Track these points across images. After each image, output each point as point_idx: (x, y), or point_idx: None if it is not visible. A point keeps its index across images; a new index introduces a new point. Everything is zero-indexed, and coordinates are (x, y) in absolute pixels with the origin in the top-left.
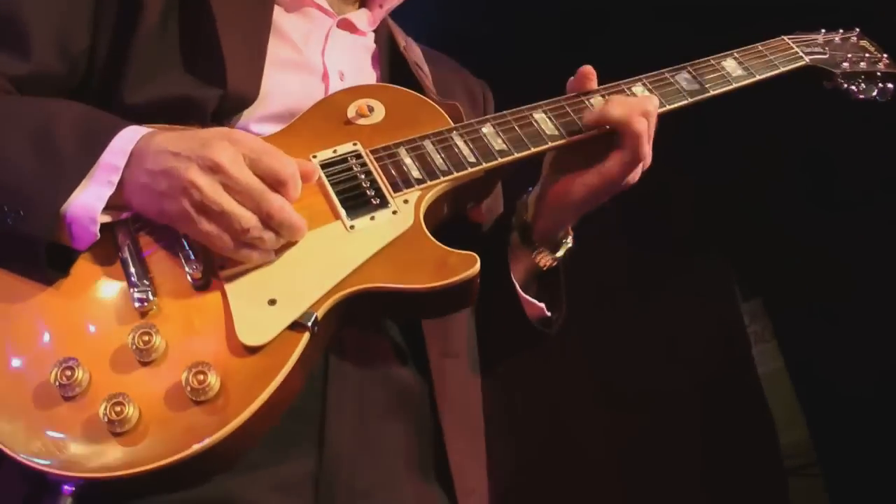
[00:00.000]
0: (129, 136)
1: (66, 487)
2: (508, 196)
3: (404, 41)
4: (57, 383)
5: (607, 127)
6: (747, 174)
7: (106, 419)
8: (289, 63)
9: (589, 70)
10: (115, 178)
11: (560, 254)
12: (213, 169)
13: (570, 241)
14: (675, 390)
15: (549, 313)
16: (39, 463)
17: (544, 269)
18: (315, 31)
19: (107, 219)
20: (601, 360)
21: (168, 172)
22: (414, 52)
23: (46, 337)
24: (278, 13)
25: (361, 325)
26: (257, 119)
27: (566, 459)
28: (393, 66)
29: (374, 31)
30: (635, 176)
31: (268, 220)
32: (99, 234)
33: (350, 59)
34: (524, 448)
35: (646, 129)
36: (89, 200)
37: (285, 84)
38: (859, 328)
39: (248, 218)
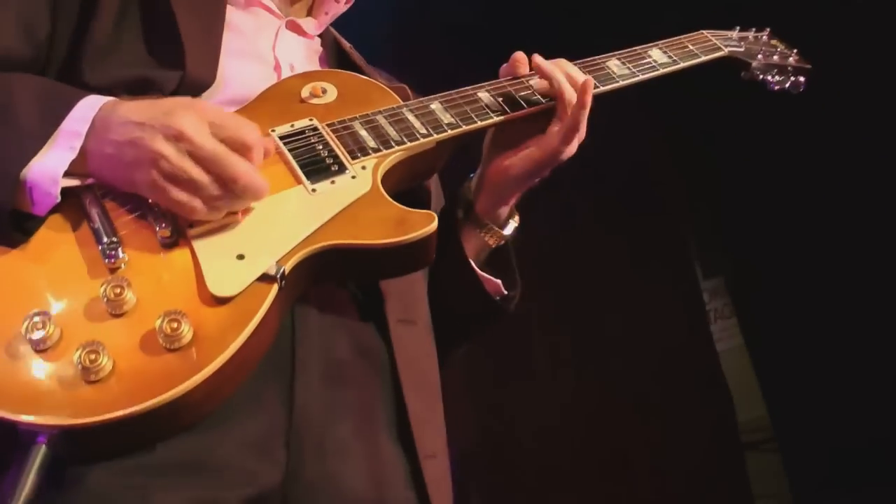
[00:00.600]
0: (90, 104)
1: (39, 438)
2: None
3: (348, 46)
4: (28, 336)
5: (545, 101)
6: (710, 153)
7: (80, 366)
8: (242, 53)
9: (521, 56)
10: (78, 144)
11: (507, 232)
12: (178, 137)
13: (516, 220)
14: (632, 365)
15: (505, 291)
16: (9, 415)
17: (493, 246)
18: (265, 29)
19: (70, 183)
20: (558, 334)
21: (134, 143)
22: (357, 56)
23: (17, 294)
24: (230, 10)
25: (326, 285)
26: (214, 103)
27: (522, 432)
28: (341, 65)
29: (320, 36)
30: (572, 149)
31: (233, 184)
32: (60, 197)
33: (299, 55)
34: (483, 418)
35: (580, 113)
36: (50, 163)
37: (240, 71)
38: (819, 305)
39: (214, 184)
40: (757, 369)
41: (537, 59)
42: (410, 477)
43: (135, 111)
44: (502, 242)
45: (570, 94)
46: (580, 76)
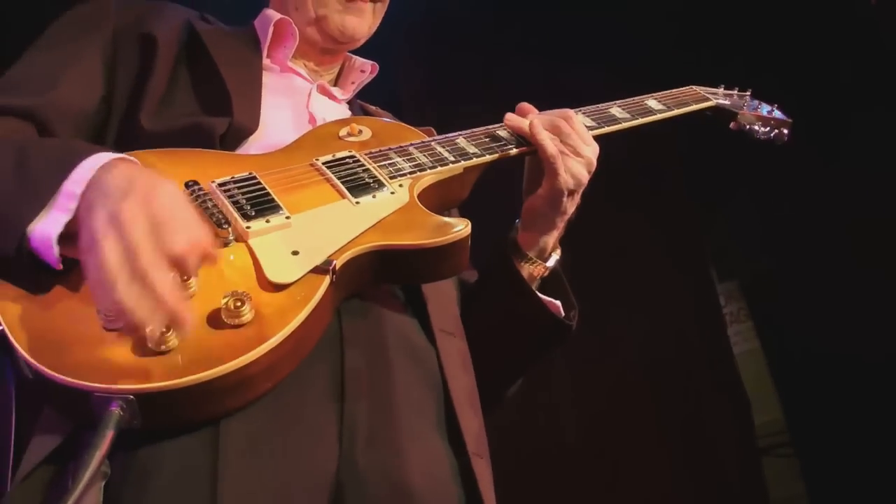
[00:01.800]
0: (91, 163)
1: (112, 405)
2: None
3: (374, 108)
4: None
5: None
6: (727, 158)
7: (151, 338)
8: (279, 107)
9: (525, 105)
10: (73, 206)
11: (550, 263)
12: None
13: (558, 253)
14: (649, 370)
15: (563, 312)
16: (85, 383)
17: (537, 277)
18: (299, 90)
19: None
20: (575, 339)
21: (108, 230)
22: (385, 114)
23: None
24: (266, 75)
25: (371, 287)
26: (258, 147)
27: (540, 440)
28: None
29: (348, 103)
30: (569, 180)
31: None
32: (60, 264)
33: (331, 112)
34: (499, 426)
35: (553, 150)
36: (47, 226)
37: (278, 121)
38: (834, 309)
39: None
40: (773, 373)
41: (508, 115)
42: (460, 473)
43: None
44: (546, 273)
45: (544, 141)
46: (558, 118)
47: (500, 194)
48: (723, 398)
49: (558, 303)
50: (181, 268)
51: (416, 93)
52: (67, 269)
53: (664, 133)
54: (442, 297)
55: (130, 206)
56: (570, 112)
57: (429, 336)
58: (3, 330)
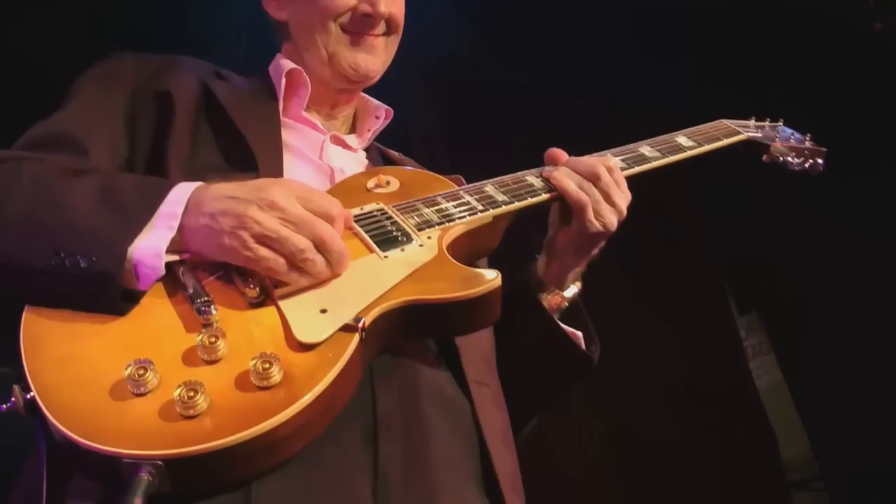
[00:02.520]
0: (183, 189)
1: (141, 471)
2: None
3: (397, 155)
4: (130, 381)
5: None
6: (744, 189)
7: (180, 402)
8: (298, 161)
9: (553, 151)
10: (175, 224)
11: (569, 294)
12: (271, 206)
13: (578, 285)
14: (673, 406)
15: (584, 345)
16: (114, 449)
17: (555, 308)
18: (311, 142)
19: (169, 257)
20: (596, 377)
21: (229, 212)
22: (409, 160)
23: (120, 346)
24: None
25: (402, 342)
26: None
27: (565, 476)
28: None
29: (366, 150)
30: (598, 224)
31: (321, 246)
32: (164, 270)
33: (347, 163)
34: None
35: (581, 197)
36: (153, 242)
37: (299, 174)
38: (857, 337)
39: (302, 240)
40: (798, 405)
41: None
42: None
43: (227, 188)
44: (564, 304)
45: (571, 190)
46: (591, 165)
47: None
48: (748, 432)
49: (580, 334)
50: (336, 225)
51: (426, 135)
52: (99, 331)
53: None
54: (476, 345)
55: (276, 190)
56: (614, 162)
57: (463, 387)
58: (33, 396)
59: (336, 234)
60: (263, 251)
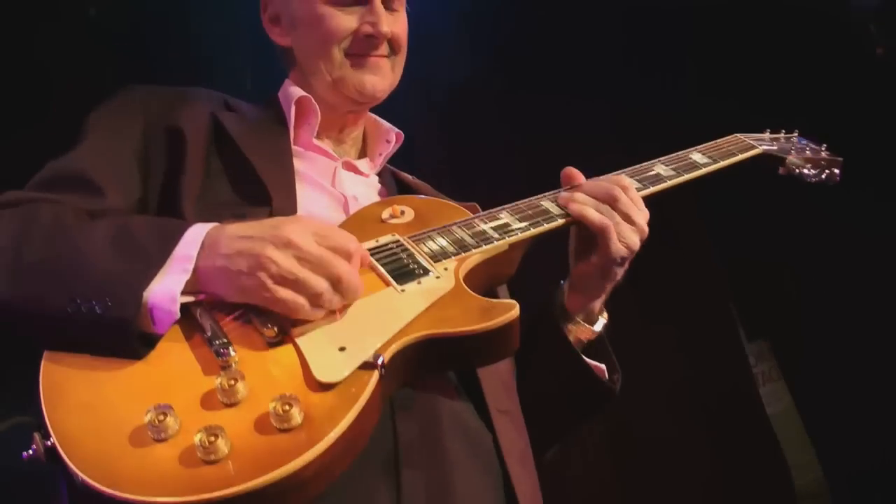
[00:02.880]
0: (198, 231)
1: None
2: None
3: (411, 178)
4: (150, 427)
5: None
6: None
7: (201, 447)
8: (311, 191)
9: (569, 170)
10: (190, 266)
11: (597, 328)
12: (287, 245)
13: (605, 317)
14: (683, 434)
15: (607, 375)
16: (136, 497)
17: (585, 342)
18: (323, 170)
19: (185, 299)
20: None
21: (245, 252)
22: (422, 184)
23: (138, 392)
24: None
25: (423, 376)
26: None
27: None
28: (404, 193)
29: (379, 174)
30: (622, 248)
31: (337, 284)
32: (179, 314)
33: (360, 190)
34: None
35: (603, 221)
36: (168, 285)
37: (314, 206)
38: (867, 363)
39: (320, 282)
40: (810, 431)
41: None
42: None
43: (242, 228)
44: (593, 338)
45: (592, 217)
46: (606, 189)
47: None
48: (761, 460)
49: (603, 366)
50: (353, 262)
51: (435, 158)
52: (118, 376)
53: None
54: (496, 373)
55: (293, 229)
56: (628, 181)
57: (484, 416)
58: (54, 442)
59: (353, 271)
60: (283, 292)
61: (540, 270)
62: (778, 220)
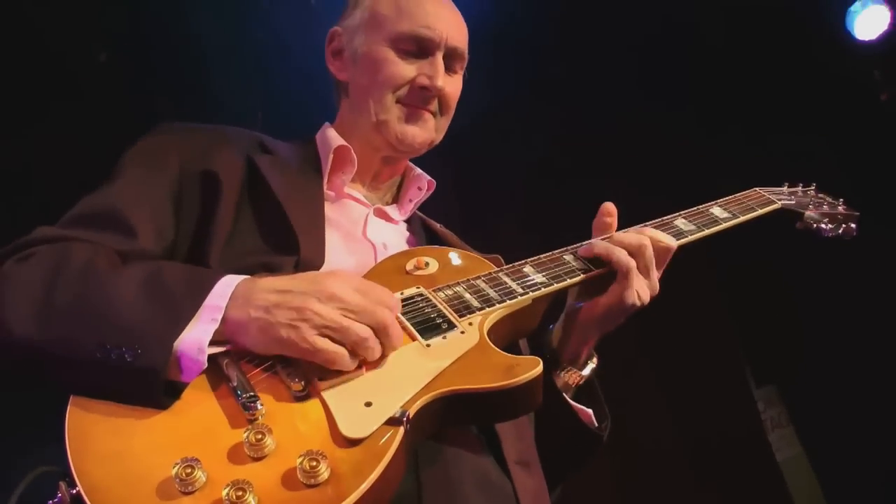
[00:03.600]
0: (228, 282)
1: None
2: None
3: (439, 227)
4: (178, 480)
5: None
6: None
7: (228, 502)
8: (340, 239)
9: (608, 206)
10: (219, 317)
11: (586, 372)
12: (331, 298)
13: (594, 361)
14: (693, 482)
15: (596, 422)
16: None
17: (573, 386)
18: (355, 217)
19: (213, 350)
20: (615, 452)
21: (284, 304)
22: (450, 234)
23: (166, 445)
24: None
25: (446, 429)
26: None
27: None
28: (432, 244)
29: (407, 221)
30: (636, 298)
31: (382, 332)
32: (206, 364)
33: (390, 237)
34: None
35: (629, 262)
36: (197, 335)
37: (341, 253)
38: (877, 407)
39: (364, 329)
40: (820, 477)
41: (597, 245)
42: None
43: (278, 283)
44: (581, 382)
45: (619, 257)
46: (637, 239)
47: None
48: None
49: (590, 411)
50: (395, 312)
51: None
52: (145, 426)
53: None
54: (516, 426)
55: (334, 283)
56: (651, 232)
57: (503, 467)
58: (79, 491)
59: (395, 320)
60: (322, 342)
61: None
62: (785, 266)
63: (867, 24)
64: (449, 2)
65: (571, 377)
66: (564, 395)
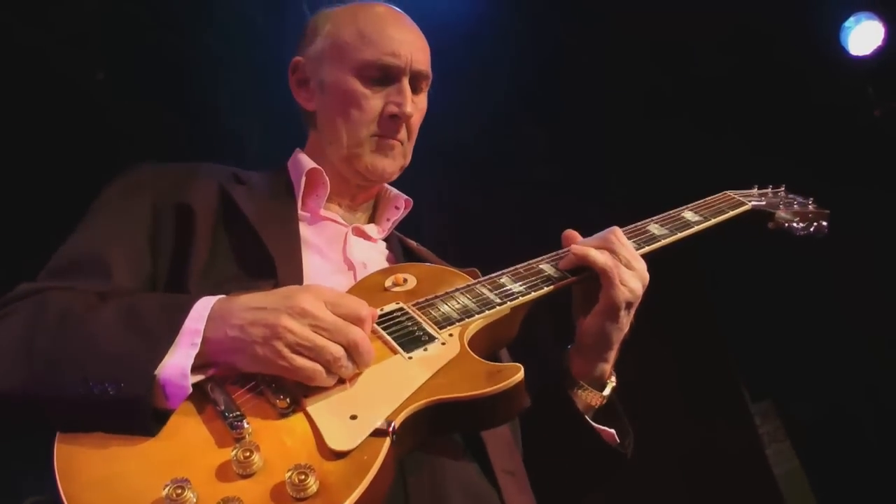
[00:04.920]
0: (204, 304)
1: None
2: None
3: (415, 245)
4: (168, 500)
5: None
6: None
7: None
8: (318, 260)
9: (570, 233)
10: (198, 340)
11: (605, 392)
12: (302, 314)
13: (613, 381)
14: (691, 497)
15: (618, 439)
16: None
17: (595, 407)
18: (334, 238)
19: (195, 377)
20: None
21: (258, 322)
22: (425, 251)
23: (155, 466)
24: (301, 227)
25: (432, 439)
26: None
27: None
28: (410, 261)
29: (385, 240)
30: (626, 293)
31: (353, 349)
32: (191, 388)
33: (369, 256)
34: None
35: (607, 260)
36: (178, 360)
37: (321, 275)
38: (873, 422)
39: (337, 349)
40: (816, 491)
41: (574, 247)
42: None
43: (252, 300)
44: (603, 402)
45: (595, 256)
46: (606, 237)
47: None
48: None
49: (612, 431)
50: (365, 327)
51: (438, 224)
52: (133, 452)
53: (684, 249)
54: (501, 436)
55: (306, 298)
56: (617, 229)
57: (489, 477)
58: None
59: (367, 337)
60: (299, 360)
61: (543, 334)
62: (778, 278)
63: (861, 40)
64: (409, 21)
65: (592, 398)
66: (586, 417)
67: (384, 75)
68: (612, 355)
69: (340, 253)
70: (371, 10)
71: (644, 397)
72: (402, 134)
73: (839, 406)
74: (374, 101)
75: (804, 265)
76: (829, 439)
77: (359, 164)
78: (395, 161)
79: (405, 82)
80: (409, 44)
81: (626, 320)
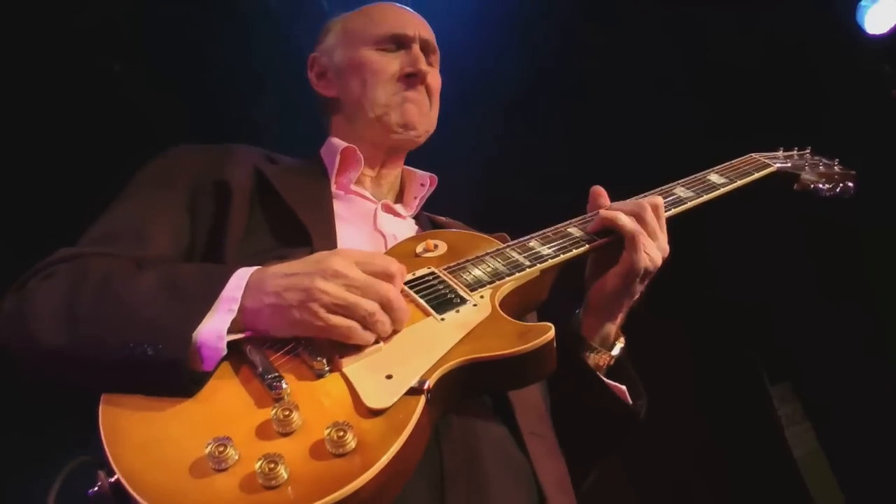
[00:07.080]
0: (241, 275)
1: None
2: None
3: (444, 219)
4: (211, 458)
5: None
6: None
7: (261, 474)
8: (352, 232)
9: (597, 189)
10: (236, 307)
11: (615, 353)
12: (335, 275)
13: (622, 341)
14: (711, 481)
15: (630, 399)
16: None
17: (604, 367)
18: (364, 212)
19: (230, 337)
20: (630, 451)
21: (293, 287)
22: (456, 223)
23: (196, 427)
24: (333, 203)
25: (465, 400)
26: None
27: None
28: None
29: (414, 218)
30: (647, 261)
31: (387, 305)
32: (225, 350)
33: (399, 229)
34: None
35: (635, 226)
36: (215, 325)
37: (355, 245)
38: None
39: (370, 303)
40: (836, 472)
41: (602, 211)
42: None
43: (285, 267)
44: (612, 362)
45: (624, 222)
46: (634, 205)
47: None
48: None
49: (624, 388)
50: (396, 283)
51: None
52: (175, 414)
53: (696, 235)
54: (528, 399)
55: (336, 260)
56: (658, 199)
57: (518, 440)
58: (118, 478)
59: (398, 292)
60: (335, 319)
61: (563, 300)
62: (795, 258)
63: (878, 19)
64: (414, 11)
65: (602, 358)
66: (597, 373)
67: (396, 44)
68: (621, 317)
69: (372, 226)
70: (378, 4)
71: (662, 381)
72: (423, 94)
73: (858, 387)
74: (390, 63)
75: (822, 245)
76: (849, 420)
77: (389, 120)
78: (422, 115)
79: (416, 48)
80: (413, 19)
81: (639, 288)
